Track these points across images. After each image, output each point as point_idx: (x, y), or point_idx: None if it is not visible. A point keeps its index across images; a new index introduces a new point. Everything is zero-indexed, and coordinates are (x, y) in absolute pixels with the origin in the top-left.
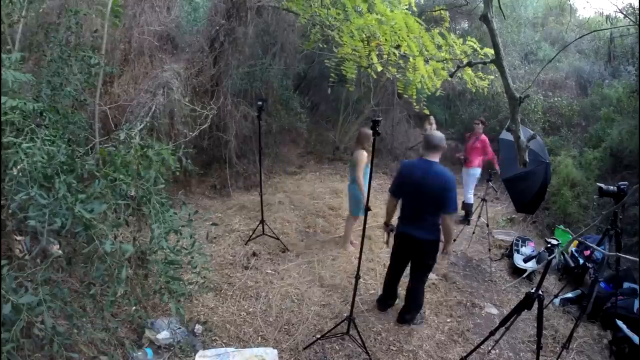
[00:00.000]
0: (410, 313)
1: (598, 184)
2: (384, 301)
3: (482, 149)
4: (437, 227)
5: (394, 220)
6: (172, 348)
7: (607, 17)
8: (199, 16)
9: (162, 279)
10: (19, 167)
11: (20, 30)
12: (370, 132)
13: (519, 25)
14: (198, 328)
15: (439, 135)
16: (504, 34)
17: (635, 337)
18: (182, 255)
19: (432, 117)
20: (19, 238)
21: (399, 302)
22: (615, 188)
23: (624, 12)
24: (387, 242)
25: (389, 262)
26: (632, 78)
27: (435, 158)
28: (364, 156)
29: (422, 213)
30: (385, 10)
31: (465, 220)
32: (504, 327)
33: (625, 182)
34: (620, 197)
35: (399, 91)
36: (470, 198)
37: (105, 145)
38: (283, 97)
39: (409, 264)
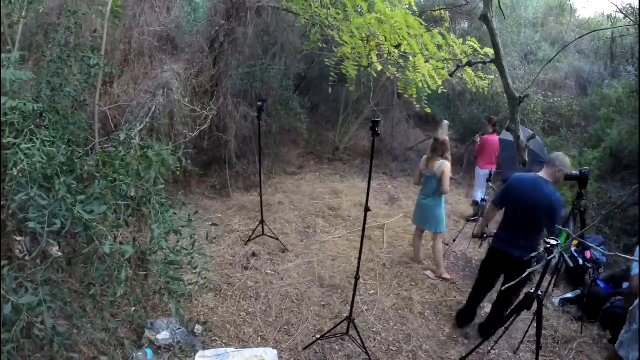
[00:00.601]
0: (489, 328)
1: None
2: (463, 317)
3: (486, 149)
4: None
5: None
6: (172, 348)
7: (608, 17)
8: (199, 17)
9: (162, 280)
10: (18, 167)
11: (20, 31)
12: (447, 139)
13: (519, 25)
14: (198, 328)
15: (558, 153)
16: (504, 34)
17: None
18: (182, 255)
19: (445, 122)
20: (19, 238)
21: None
22: (578, 172)
23: (624, 12)
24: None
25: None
26: (631, 78)
27: (547, 175)
28: (449, 168)
29: (524, 231)
30: (385, 9)
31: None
32: (503, 327)
33: (587, 168)
34: (582, 181)
35: (399, 91)
36: (477, 196)
37: (105, 145)
38: (283, 98)
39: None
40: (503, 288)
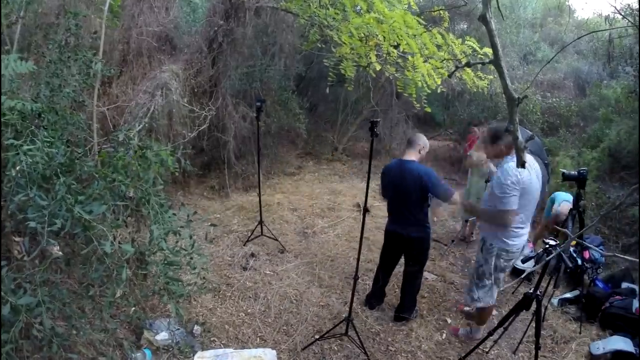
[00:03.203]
0: (405, 310)
1: (561, 169)
2: (372, 299)
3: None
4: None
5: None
6: (170, 349)
7: (606, 18)
8: (198, 17)
9: (162, 280)
10: (17, 168)
11: (19, 31)
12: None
13: (518, 25)
14: (197, 329)
15: (419, 134)
16: (503, 35)
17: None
18: (182, 256)
19: (475, 128)
20: (17, 239)
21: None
22: (576, 172)
23: (622, 13)
24: None
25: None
26: (630, 79)
27: (412, 157)
28: None
29: (407, 209)
30: (384, 9)
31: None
32: (502, 328)
33: (585, 168)
34: (581, 181)
35: (398, 90)
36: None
37: (104, 146)
38: (282, 98)
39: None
40: (406, 269)
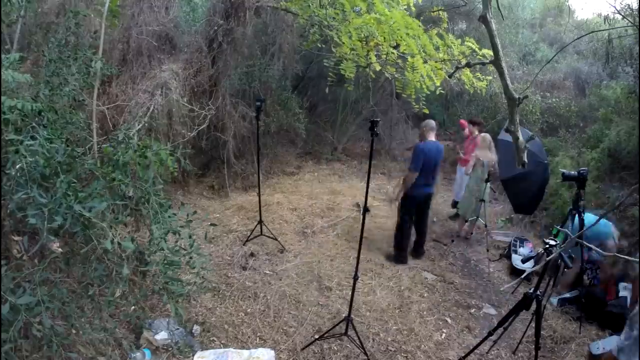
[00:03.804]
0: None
1: (561, 169)
2: (402, 257)
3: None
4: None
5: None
6: (170, 349)
7: (605, 18)
8: (198, 16)
9: (161, 280)
10: (17, 166)
11: (19, 30)
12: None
13: (517, 26)
14: (196, 329)
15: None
16: (502, 35)
17: None
18: (181, 255)
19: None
20: (16, 238)
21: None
22: (576, 173)
23: (622, 14)
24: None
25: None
26: (630, 79)
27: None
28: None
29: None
30: (383, 9)
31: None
32: (502, 328)
33: (585, 168)
34: (581, 181)
35: (398, 91)
36: (458, 195)
37: (104, 145)
38: (281, 98)
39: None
40: (420, 218)
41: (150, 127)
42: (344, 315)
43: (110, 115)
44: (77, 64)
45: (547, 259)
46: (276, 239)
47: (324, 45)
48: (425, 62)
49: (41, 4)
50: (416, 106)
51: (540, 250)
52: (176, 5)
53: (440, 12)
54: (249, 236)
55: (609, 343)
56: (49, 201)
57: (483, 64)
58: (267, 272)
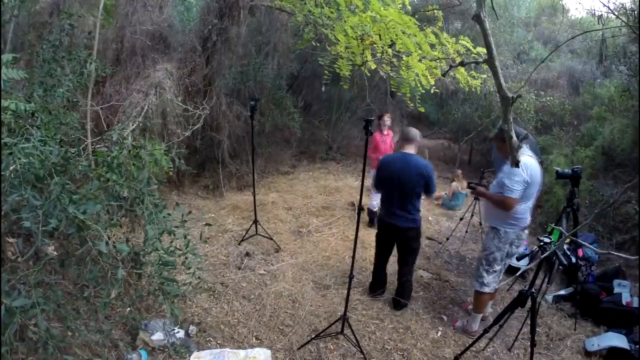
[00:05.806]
0: (404, 296)
1: (555, 168)
2: (375, 287)
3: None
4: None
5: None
6: (166, 349)
7: (599, 18)
8: (192, 15)
9: (157, 280)
10: (11, 168)
11: (12, 30)
12: None
13: (512, 25)
14: (192, 329)
15: (415, 130)
16: (497, 34)
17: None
18: (176, 256)
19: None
20: (11, 240)
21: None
22: (570, 171)
23: (615, 13)
24: None
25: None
26: (623, 77)
27: (412, 150)
28: None
29: (403, 201)
30: (379, 8)
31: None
32: (497, 325)
33: (579, 166)
34: (575, 179)
35: (392, 89)
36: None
37: (98, 146)
38: (276, 97)
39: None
40: (401, 258)
41: (144, 127)
42: (340, 314)
43: (104, 115)
44: (71, 65)
45: (542, 256)
46: (271, 239)
47: (318, 44)
48: (420, 60)
49: (34, 4)
50: (411, 104)
51: (535, 247)
52: (170, 4)
53: (436, 11)
54: (244, 236)
55: (604, 340)
56: (44, 203)
57: (477, 62)
58: (263, 271)
